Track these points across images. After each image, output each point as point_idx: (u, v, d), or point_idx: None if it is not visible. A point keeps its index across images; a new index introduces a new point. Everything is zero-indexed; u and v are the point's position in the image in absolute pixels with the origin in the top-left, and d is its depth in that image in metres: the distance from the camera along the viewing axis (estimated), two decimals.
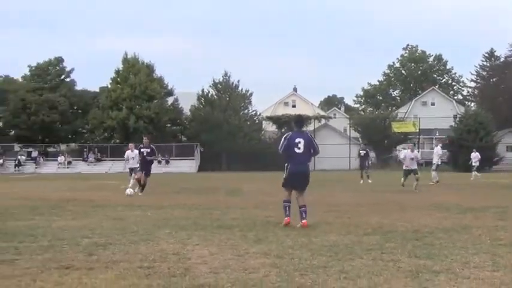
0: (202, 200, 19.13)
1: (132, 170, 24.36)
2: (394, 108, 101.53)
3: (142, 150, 23.50)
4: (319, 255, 8.44)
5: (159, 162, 65.88)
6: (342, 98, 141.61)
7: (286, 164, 12.06)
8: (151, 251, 8.92)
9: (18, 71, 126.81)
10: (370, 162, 38.07)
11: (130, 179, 24.52)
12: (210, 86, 77.43)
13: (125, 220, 13.28)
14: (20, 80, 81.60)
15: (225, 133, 72.43)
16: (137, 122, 71.10)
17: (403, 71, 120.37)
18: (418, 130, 75.22)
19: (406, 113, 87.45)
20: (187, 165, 69.09)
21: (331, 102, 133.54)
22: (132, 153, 24.32)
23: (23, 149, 75.02)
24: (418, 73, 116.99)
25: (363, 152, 36.22)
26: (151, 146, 23.95)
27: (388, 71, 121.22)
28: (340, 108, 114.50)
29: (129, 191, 22.25)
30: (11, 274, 7.17)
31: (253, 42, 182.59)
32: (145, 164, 23.46)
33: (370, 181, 33.30)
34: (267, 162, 68.14)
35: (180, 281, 6.79)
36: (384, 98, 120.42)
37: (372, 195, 18.64)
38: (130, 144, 25.18)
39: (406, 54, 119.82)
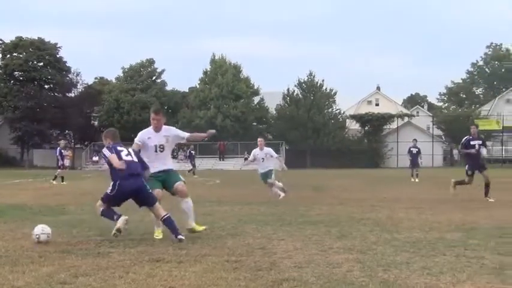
0: (288, 196, 19.25)
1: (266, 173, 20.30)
2: (477, 106, 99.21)
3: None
4: (402, 251, 8.48)
5: (246, 159, 66.50)
6: (425, 96, 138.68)
7: None
8: (238, 245, 9.11)
9: (112, 73, 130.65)
10: (421, 161, 35.80)
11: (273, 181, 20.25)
12: (295, 86, 77.87)
13: (213, 215, 13.57)
14: (114, 81, 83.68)
15: (309, 131, 72.66)
16: (224, 120, 72.13)
17: (486, 69, 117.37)
18: (501, 128, 73.71)
19: (489, 110, 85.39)
20: (273, 163, 69.14)
21: (414, 101, 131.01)
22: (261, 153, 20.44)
23: None
24: (501, 71, 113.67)
25: (414, 150, 34.57)
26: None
27: (472, 69, 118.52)
28: (423, 107, 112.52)
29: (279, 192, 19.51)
30: (105, 266, 7.43)
31: (337, 41, 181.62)
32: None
33: (417, 180, 31.71)
34: (351, 159, 67.95)
35: (265, 275, 6.92)
36: (467, 96, 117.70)
37: (456, 192, 18.29)
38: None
39: (489, 52, 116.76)
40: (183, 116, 76.40)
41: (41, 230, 9.37)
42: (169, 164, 10.57)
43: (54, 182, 29.62)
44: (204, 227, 10.10)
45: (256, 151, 20.30)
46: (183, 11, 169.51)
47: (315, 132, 73.34)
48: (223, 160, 72.00)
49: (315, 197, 20.24)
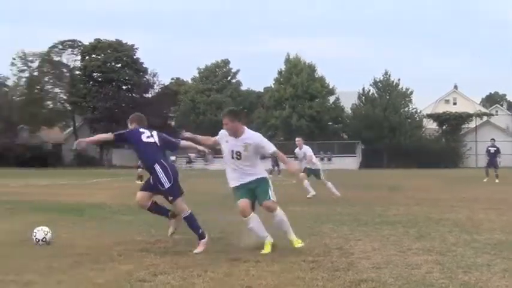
0: (364, 196, 19.08)
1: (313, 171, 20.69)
2: None
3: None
4: (483, 253, 8.30)
5: (322, 159, 66.82)
6: (504, 95, 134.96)
7: None
8: (315, 245, 9.09)
9: (188, 73, 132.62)
10: (500, 160, 33.98)
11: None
12: (371, 85, 77.31)
13: (289, 215, 13.52)
14: (190, 81, 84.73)
15: (385, 131, 71.97)
16: (299, 120, 72.09)
17: None
18: None
19: None
20: (349, 162, 68.93)
21: (493, 100, 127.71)
22: (300, 152, 21.17)
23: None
24: None
25: (492, 149, 33.08)
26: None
27: None
28: (502, 105, 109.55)
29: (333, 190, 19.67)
30: (184, 264, 7.52)
31: (414, 41, 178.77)
32: None
33: (497, 181, 30.41)
34: (429, 159, 66.83)
35: (343, 275, 6.90)
36: None
37: None
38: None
39: None
40: (258, 116, 76.89)
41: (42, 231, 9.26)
42: (253, 174, 8.96)
43: (138, 182, 30.10)
44: (301, 244, 8.71)
45: (296, 150, 21.32)
46: (258, 11, 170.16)
47: (391, 132, 72.63)
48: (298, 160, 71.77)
49: (391, 197, 20.01)
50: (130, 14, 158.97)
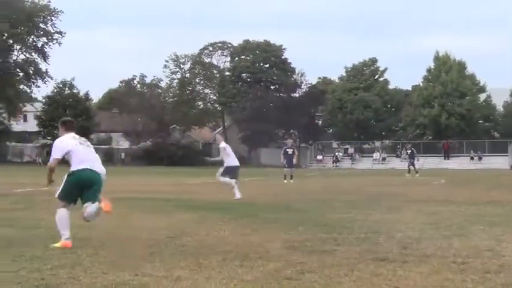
0: None
1: None
2: None
3: None
4: None
5: (472, 158, 65.31)
6: None
7: None
8: (465, 246, 8.84)
9: (335, 72, 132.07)
10: None
11: None
12: None
13: (438, 215, 13.28)
14: (337, 80, 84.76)
15: None
16: (449, 118, 70.26)
17: None
18: None
19: None
20: (500, 162, 66.22)
21: None
22: None
23: (340, 146, 78.25)
24: None
25: None
26: None
27: None
28: None
29: None
30: (330, 263, 7.51)
31: None
32: None
33: None
34: None
35: (494, 278, 6.70)
36: None
37: None
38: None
39: None
40: (406, 114, 75.83)
41: None
42: None
43: (285, 181, 30.42)
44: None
45: None
46: (406, 9, 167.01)
47: None
48: (448, 159, 70.08)
49: None
50: (278, 14, 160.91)
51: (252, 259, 7.84)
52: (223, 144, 19.13)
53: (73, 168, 8.81)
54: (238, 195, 18.07)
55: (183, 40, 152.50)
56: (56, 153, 8.94)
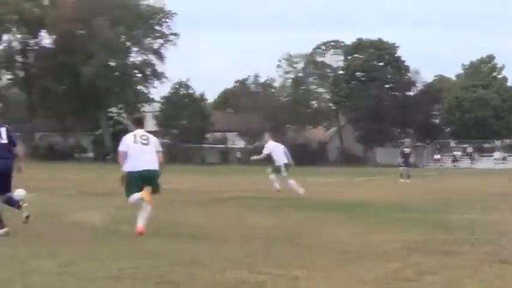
0: None
1: None
2: None
3: None
4: None
5: None
6: None
7: None
8: None
9: (452, 70, 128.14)
10: None
11: None
12: None
13: None
14: (454, 78, 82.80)
15: None
16: None
17: None
18: None
19: None
20: None
21: None
22: None
23: (458, 145, 76.42)
24: None
25: None
26: None
27: None
28: None
29: None
30: (451, 265, 7.39)
31: None
32: None
33: None
34: None
35: None
36: None
37: None
38: None
39: None
40: None
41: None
42: None
43: (401, 180, 30.00)
44: None
45: None
46: None
47: None
48: None
49: None
50: (393, 13, 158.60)
51: (370, 259, 7.80)
52: (270, 144, 19.43)
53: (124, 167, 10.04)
54: (277, 186, 18.65)
55: (296, 40, 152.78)
56: (120, 147, 10.38)
